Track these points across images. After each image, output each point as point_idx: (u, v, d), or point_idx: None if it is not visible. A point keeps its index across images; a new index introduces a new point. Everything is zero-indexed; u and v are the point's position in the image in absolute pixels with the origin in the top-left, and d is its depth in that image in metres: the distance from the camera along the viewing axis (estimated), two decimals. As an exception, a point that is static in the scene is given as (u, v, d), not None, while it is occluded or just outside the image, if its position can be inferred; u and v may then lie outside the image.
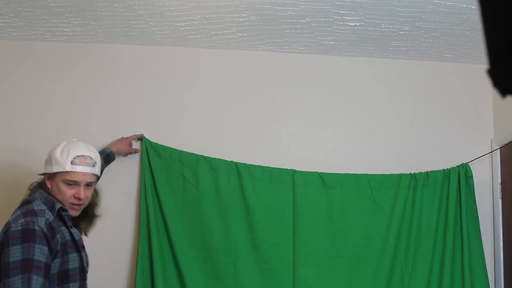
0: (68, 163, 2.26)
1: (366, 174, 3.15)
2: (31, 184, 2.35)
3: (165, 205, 2.97)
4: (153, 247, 2.90)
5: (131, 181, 3.07)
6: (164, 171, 3.01)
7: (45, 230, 2.13)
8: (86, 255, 2.36)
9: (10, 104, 3.09)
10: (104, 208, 3.01)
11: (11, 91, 3.10)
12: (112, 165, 3.03)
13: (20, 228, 2.10)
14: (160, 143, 3.06)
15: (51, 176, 2.29)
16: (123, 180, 3.07)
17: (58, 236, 2.18)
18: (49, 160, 2.31)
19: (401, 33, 2.99)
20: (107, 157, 2.91)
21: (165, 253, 2.93)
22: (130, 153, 3.07)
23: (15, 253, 2.06)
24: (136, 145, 3.09)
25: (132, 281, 2.97)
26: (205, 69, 3.23)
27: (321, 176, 3.10)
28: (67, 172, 2.26)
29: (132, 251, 3.02)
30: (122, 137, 3.06)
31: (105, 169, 3.00)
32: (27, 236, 2.08)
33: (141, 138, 3.07)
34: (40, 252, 2.08)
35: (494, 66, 0.76)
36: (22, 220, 2.13)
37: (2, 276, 2.07)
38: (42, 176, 2.34)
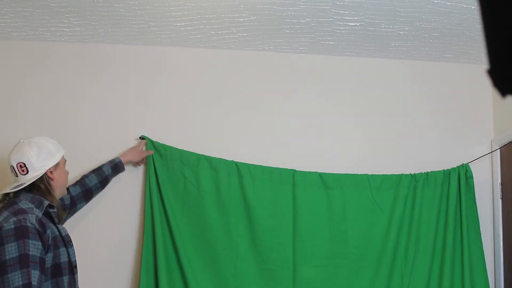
0: (60, 146, 2.51)
1: (366, 174, 3.15)
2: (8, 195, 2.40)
3: (168, 204, 2.97)
4: (157, 247, 2.89)
5: (136, 180, 3.06)
6: (165, 170, 3.01)
7: (37, 226, 2.22)
8: (73, 250, 2.42)
9: (10, 104, 3.09)
10: (109, 207, 3.03)
11: (11, 91, 3.10)
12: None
13: (13, 226, 2.17)
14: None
15: (56, 165, 2.44)
16: (128, 179, 3.06)
17: (48, 231, 2.27)
18: (48, 156, 2.42)
19: (401, 33, 2.99)
20: (116, 166, 2.92)
21: (169, 253, 2.93)
22: (143, 158, 3.03)
23: (10, 250, 2.13)
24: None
25: (136, 281, 2.96)
26: (205, 69, 3.23)
27: (321, 176, 3.10)
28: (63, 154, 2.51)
29: (137, 250, 3.02)
30: (135, 147, 3.04)
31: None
32: (20, 233, 2.16)
33: (143, 138, 3.07)
34: (34, 247, 2.16)
35: (494, 66, 0.76)
36: (14, 218, 2.20)
37: None
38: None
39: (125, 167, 3.00)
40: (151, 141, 3.05)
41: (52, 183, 2.42)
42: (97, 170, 2.86)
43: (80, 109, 3.12)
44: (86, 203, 2.82)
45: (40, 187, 2.37)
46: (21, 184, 2.34)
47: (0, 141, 3.04)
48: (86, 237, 2.88)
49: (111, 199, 3.04)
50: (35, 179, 2.36)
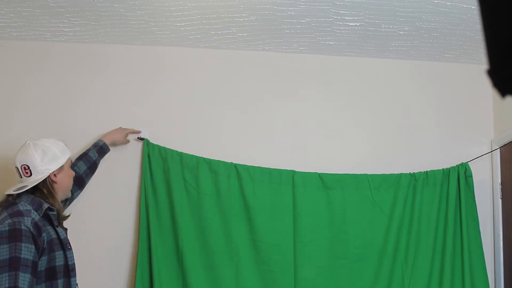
0: (67, 148, 2.51)
1: (366, 174, 3.14)
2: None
3: (165, 207, 2.96)
4: (152, 250, 2.89)
5: (132, 183, 3.06)
6: (165, 173, 3.00)
7: (31, 229, 2.21)
8: (72, 253, 2.41)
9: (10, 104, 3.09)
10: (104, 210, 3.03)
11: (11, 91, 3.10)
12: (112, 167, 3.03)
13: (7, 228, 2.18)
14: (159, 144, 3.05)
15: (60, 168, 2.43)
16: (124, 182, 3.06)
17: (44, 234, 2.27)
18: (52, 159, 2.41)
19: (401, 33, 2.99)
20: (101, 149, 2.93)
21: (165, 256, 2.92)
22: (123, 144, 3.06)
23: (2, 252, 2.14)
24: (138, 145, 3.08)
25: (132, 285, 2.96)
26: (205, 69, 3.23)
27: (320, 176, 3.10)
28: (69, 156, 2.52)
29: (132, 253, 3.01)
30: (120, 127, 3.05)
31: (106, 171, 3.02)
32: (14, 235, 2.16)
33: (142, 138, 3.07)
34: (27, 251, 2.16)
35: (494, 66, 0.76)
36: (9, 220, 2.21)
37: None
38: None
39: (120, 167, 3.02)
40: (152, 144, 3.05)
41: (55, 186, 2.43)
42: (84, 156, 2.87)
43: (80, 109, 3.12)
44: (80, 191, 2.83)
45: (42, 190, 2.38)
46: (24, 186, 2.35)
47: (0, 141, 3.04)
48: (81, 241, 2.85)
49: (107, 201, 3.04)
50: (37, 182, 2.36)
